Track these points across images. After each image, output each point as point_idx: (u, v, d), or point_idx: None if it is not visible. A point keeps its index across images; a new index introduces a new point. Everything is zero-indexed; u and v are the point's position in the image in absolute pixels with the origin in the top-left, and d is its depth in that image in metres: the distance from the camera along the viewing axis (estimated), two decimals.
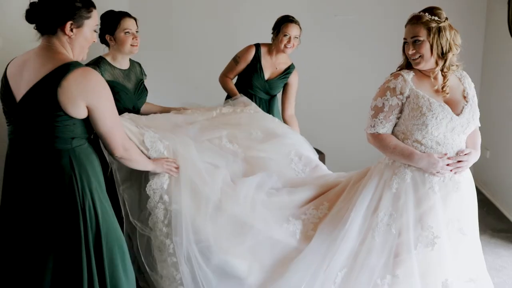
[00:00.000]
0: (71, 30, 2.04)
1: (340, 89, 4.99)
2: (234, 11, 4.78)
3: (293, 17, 3.66)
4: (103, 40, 3.07)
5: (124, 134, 2.24)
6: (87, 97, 2.00)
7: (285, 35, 3.58)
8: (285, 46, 3.60)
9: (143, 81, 3.25)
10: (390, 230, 2.42)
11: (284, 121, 3.76)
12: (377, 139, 2.47)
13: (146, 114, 3.24)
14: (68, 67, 1.99)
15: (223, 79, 3.74)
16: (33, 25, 2.07)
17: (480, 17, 4.81)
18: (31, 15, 2.05)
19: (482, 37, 4.85)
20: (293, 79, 3.77)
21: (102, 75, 2.93)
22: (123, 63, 3.10)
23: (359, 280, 2.42)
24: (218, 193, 2.61)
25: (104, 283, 2.12)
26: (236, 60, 3.68)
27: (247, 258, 2.52)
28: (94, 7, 2.11)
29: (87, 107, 2.03)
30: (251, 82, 3.67)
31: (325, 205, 2.69)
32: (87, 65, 3.00)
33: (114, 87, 2.93)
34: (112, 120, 2.11)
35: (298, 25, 3.63)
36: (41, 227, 2.05)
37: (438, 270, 2.40)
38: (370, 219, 2.45)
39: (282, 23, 3.61)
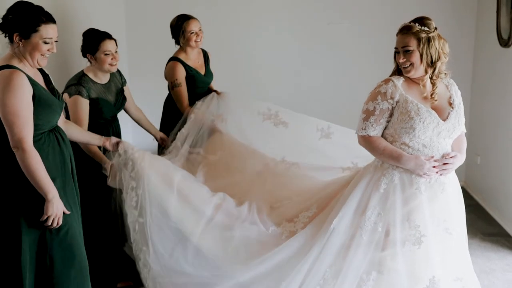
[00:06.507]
0: (20, 40, 2.28)
1: (333, 95, 5.06)
2: (231, 19, 4.87)
3: (187, 14, 3.76)
4: (84, 55, 3.20)
5: (24, 132, 2.23)
6: None
7: (191, 33, 3.70)
8: (196, 41, 3.74)
9: (123, 89, 3.38)
10: (376, 228, 2.49)
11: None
12: (367, 141, 2.55)
13: (136, 121, 3.57)
14: None
15: (187, 110, 3.70)
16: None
17: (470, 25, 4.90)
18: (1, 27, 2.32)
19: (472, 45, 4.94)
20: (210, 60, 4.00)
21: (88, 93, 3.09)
22: (103, 78, 3.24)
23: (347, 277, 2.49)
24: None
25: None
26: (177, 84, 3.69)
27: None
28: (46, 22, 2.29)
29: None
30: (197, 84, 3.75)
31: (314, 205, 2.76)
32: (72, 83, 3.12)
33: (99, 103, 3.13)
34: (6, 114, 2.20)
35: (195, 18, 3.76)
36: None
37: (425, 268, 2.46)
38: (359, 219, 2.52)
39: (182, 23, 3.71)
